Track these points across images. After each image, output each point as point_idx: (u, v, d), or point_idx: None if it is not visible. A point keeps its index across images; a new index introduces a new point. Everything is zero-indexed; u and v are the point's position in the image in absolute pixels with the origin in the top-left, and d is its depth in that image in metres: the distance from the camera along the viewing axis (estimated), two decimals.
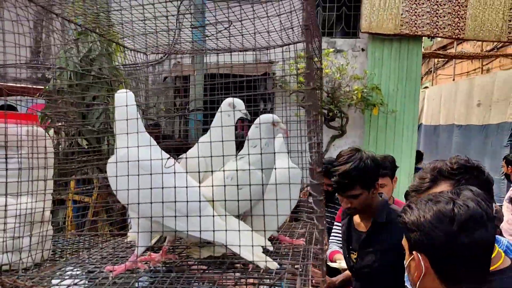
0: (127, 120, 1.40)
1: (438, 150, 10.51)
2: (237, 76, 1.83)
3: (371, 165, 2.24)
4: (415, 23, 7.26)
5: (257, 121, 1.65)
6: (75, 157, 2.75)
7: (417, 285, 1.27)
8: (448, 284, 1.23)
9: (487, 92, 9.07)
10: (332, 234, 3.25)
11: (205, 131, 3.38)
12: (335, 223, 3.25)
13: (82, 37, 3.41)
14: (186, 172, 1.39)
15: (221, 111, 1.81)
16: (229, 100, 1.84)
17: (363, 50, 7.67)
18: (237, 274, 1.39)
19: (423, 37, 7.82)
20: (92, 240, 2.14)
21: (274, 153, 1.57)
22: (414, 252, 1.25)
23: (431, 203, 1.24)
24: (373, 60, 7.47)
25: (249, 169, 1.49)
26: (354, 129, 7.60)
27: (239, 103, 1.84)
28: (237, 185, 1.37)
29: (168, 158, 1.40)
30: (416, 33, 7.28)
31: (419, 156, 8.06)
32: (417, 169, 7.55)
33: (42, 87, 3.26)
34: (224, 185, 1.33)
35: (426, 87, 12.87)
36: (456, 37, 7.36)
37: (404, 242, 1.33)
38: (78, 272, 1.49)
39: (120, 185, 1.38)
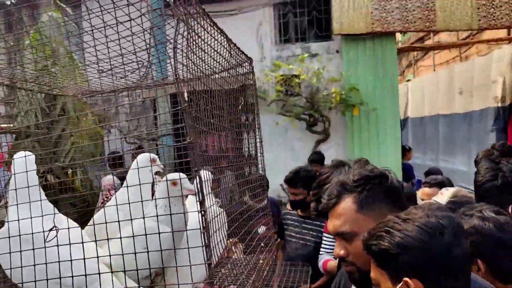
0: (28, 187, 1.33)
1: (426, 141, 10.53)
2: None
3: None
4: (386, 20, 7.29)
5: (164, 179, 1.61)
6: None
7: None
8: None
9: (467, 79, 9.10)
10: (322, 245, 3.26)
11: (179, 156, 3.38)
12: (324, 234, 3.27)
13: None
14: (94, 241, 1.31)
15: (137, 167, 1.71)
16: (146, 155, 1.82)
17: (337, 52, 7.69)
18: None
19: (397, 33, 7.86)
20: None
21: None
22: (405, 279, 1.13)
23: (410, 222, 1.15)
24: (348, 61, 7.49)
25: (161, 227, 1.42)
26: (337, 132, 7.61)
27: (156, 158, 1.85)
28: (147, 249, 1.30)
29: (51, 229, 1.29)
30: (388, 29, 7.31)
31: (405, 152, 8.04)
32: (404, 165, 7.54)
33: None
34: (135, 253, 1.26)
35: (408, 80, 12.90)
36: (428, 29, 7.40)
37: (377, 274, 1.20)
38: None
39: (9, 262, 1.27)
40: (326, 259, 3.16)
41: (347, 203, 1.40)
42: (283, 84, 7.22)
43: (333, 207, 1.44)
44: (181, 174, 1.58)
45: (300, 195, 3.44)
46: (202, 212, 1.27)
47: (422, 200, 3.53)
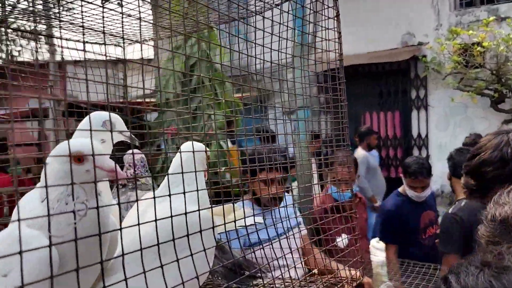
0: None
1: None
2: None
3: None
4: None
5: (54, 151, 0.92)
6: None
7: None
8: None
9: None
10: None
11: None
12: None
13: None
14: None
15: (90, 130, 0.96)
16: (100, 114, 1.17)
17: None
18: None
19: None
20: None
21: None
22: None
23: (486, 272, 0.67)
24: None
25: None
26: None
27: (119, 121, 1.21)
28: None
29: None
30: None
31: None
32: None
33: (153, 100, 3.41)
34: None
35: None
36: None
37: None
38: None
39: None
40: None
41: None
42: (462, 54, 6.24)
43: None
44: (94, 142, 0.86)
45: None
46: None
47: None
